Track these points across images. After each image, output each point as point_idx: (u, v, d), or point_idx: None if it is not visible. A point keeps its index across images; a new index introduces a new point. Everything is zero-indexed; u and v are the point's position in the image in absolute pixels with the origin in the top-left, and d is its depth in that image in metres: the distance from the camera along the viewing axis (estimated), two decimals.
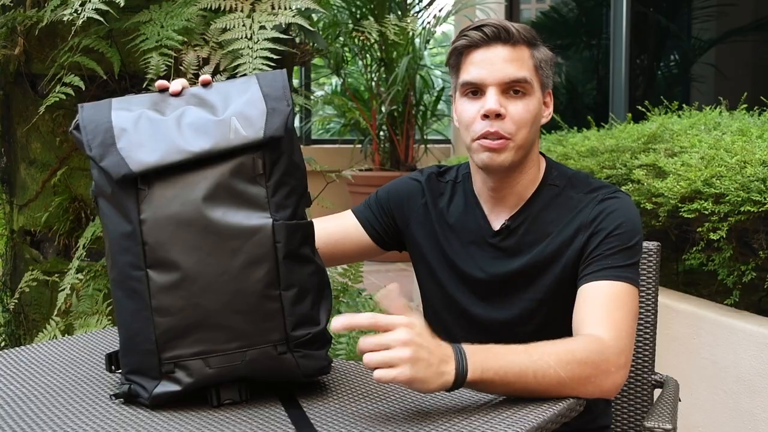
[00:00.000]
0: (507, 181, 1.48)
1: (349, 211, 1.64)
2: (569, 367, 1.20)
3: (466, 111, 1.45)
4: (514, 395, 1.19)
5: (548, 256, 1.46)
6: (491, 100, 1.41)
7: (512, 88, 1.42)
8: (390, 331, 1.10)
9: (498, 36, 1.42)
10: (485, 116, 1.41)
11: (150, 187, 1.13)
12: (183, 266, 1.12)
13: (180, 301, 1.12)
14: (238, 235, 1.13)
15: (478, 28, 1.44)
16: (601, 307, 1.34)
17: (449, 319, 1.56)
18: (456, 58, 1.48)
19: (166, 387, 1.14)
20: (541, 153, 1.55)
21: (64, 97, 2.10)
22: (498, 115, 1.41)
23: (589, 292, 1.37)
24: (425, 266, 1.58)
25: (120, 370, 1.22)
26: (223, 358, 1.14)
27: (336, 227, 1.61)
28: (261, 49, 1.98)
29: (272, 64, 1.98)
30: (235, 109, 1.17)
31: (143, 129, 1.15)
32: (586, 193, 1.47)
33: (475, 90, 1.44)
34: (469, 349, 1.15)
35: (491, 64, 1.42)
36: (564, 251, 1.44)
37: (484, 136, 1.42)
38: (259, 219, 1.15)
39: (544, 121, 1.50)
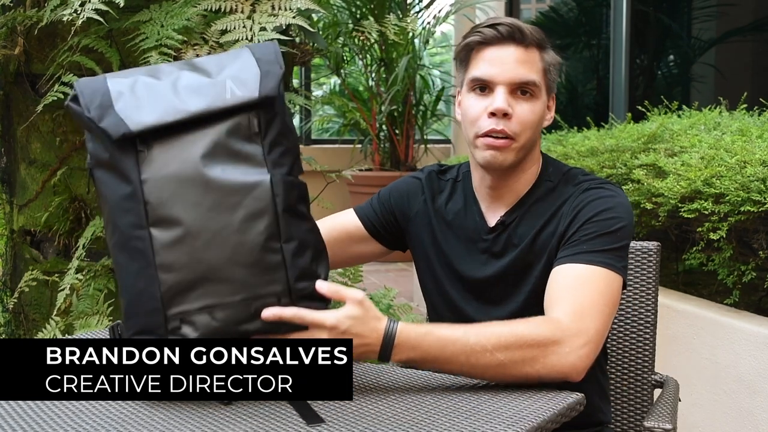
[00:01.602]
0: (506, 179, 1.49)
1: (351, 210, 1.65)
2: (509, 349, 1.23)
3: (473, 107, 1.45)
4: (453, 373, 1.25)
5: (536, 246, 1.46)
6: (500, 98, 1.42)
7: (520, 89, 1.43)
8: (312, 330, 1.18)
9: (512, 36, 1.43)
10: (492, 114, 1.42)
11: (149, 149, 1.15)
12: (185, 222, 1.14)
13: (184, 256, 1.14)
14: (238, 191, 1.16)
15: (492, 26, 1.44)
16: (567, 289, 1.34)
17: (447, 317, 1.56)
18: (466, 53, 1.48)
19: None
20: (540, 151, 1.55)
21: (62, 97, 2.09)
22: (505, 114, 1.42)
23: (558, 275, 1.38)
24: (426, 263, 1.59)
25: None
26: (228, 311, 1.15)
27: (335, 224, 1.62)
28: None
29: None
30: (230, 72, 1.20)
31: (140, 92, 1.17)
32: (575, 185, 1.48)
33: (483, 86, 1.45)
34: (401, 335, 1.22)
35: (503, 63, 1.43)
36: (549, 240, 1.45)
37: (489, 133, 1.43)
38: (257, 175, 1.17)
39: (545, 124, 1.51)
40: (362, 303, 1.22)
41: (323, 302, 1.22)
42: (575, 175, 1.50)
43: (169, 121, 1.15)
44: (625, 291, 1.45)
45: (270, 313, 1.16)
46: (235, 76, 1.19)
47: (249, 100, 1.18)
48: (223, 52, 1.27)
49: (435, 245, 1.56)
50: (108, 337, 1.30)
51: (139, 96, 1.17)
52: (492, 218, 1.52)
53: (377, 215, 1.62)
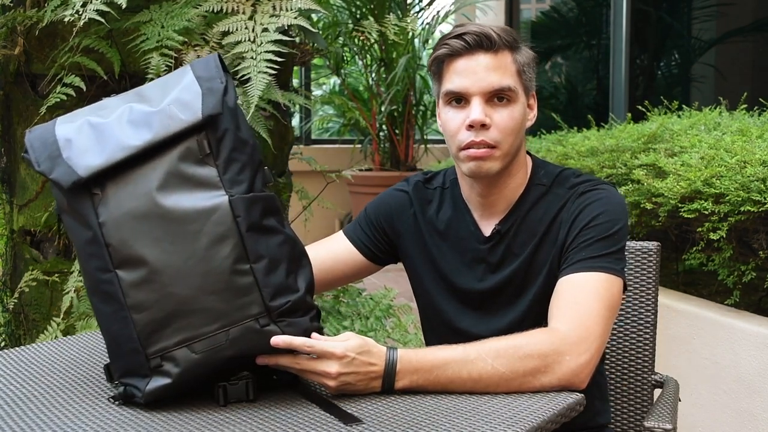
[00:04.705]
0: (495, 186, 1.47)
1: (341, 233, 1.63)
2: (509, 361, 1.23)
3: (451, 120, 1.43)
4: (457, 393, 1.23)
5: (539, 257, 1.45)
6: (476, 110, 1.39)
7: (496, 96, 1.41)
8: (323, 360, 1.19)
9: (480, 44, 1.40)
10: (470, 126, 1.40)
11: (104, 190, 1.15)
12: (149, 259, 1.13)
13: (153, 294, 1.13)
14: (196, 218, 1.14)
15: (459, 36, 1.41)
16: (567, 300, 1.35)
17: (442, 331, 1.55)
18: (437, 66, 1.46)
19: (156, 382, 1.15)
20: (528, 153, 1.53)
21: (65, 98, 2.09)
22: (483, 125, 1.40)
23: (560, 287, 1.38)
24: (417, 279, 1.58)
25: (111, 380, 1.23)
26: (206, 341, 1.14)
27: (327, 253, 1.59)
28: (264, 51, 1.98)
29: (276, 66, 1.97)
30: (173, 96, 1.18)
31: (86, 135, 1.17)
32: (569, 188, 1.47)
33: (459, 98, 1.42)
34: (401, 360, 1.22)
35: (474, 73, 1.40)
36: (551, 251, 1.44)
37: (470, 145, 1.41)
38: (214, 198, 1.15)
39: (529, 124, 1.49)
40: (357, 335, 1.23)
41: (305, 315, 1.20)
42: (568, 177, 1.49)
43: (116, 160, 1.14)
44: (625, 291, 1.44)
45: (281, 340, 1.16)
46: (177, 99, 1.17)
47: (193, 123, 1.16)
48: (169, 73, 1.26)
49: (427, 259, 1.54)
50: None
51: (86, 139, 1.16)
52: (486, 227, 1.50)
53: (368, 236, 1.59)
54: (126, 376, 1.17)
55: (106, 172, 1.14)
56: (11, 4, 2.36)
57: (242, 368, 1.19)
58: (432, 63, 1.47)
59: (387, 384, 1.22)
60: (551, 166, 1.52)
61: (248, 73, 1.95)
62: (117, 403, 1.18)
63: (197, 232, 1.14)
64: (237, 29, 2.03)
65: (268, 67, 1.95)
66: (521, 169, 1.49)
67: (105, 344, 1.19)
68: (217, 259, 1.14)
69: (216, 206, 1.15)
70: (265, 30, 2.01)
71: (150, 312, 1.13)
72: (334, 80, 7.50)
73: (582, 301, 1.33)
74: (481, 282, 1.49)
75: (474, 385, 1.23)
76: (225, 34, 2.07)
